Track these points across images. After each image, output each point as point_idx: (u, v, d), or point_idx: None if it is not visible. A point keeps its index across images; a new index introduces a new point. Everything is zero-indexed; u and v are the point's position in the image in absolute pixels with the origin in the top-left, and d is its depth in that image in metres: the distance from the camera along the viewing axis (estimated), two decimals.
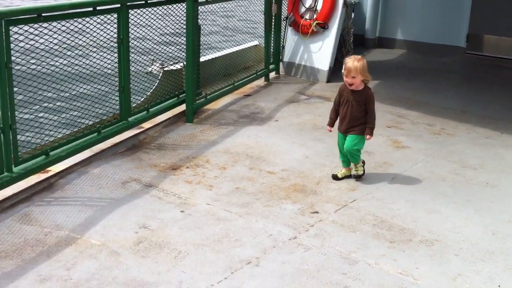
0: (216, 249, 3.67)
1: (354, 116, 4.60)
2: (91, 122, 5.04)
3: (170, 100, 6.08)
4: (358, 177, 4.75)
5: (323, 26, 7.83)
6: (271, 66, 7.99)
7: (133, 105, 5.51)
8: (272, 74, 8.11)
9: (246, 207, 4.25)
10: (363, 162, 4.79)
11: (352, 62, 4.51)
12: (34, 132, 4.40)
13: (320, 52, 7.96)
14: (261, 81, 7.79)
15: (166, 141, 5.50)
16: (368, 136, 4.62)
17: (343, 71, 4.57)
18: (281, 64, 8.27)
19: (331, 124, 4.83)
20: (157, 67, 6.49)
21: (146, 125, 5.73)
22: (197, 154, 5.21)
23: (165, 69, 6.29)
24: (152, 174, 4.72)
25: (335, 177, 4.77)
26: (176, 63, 6.28)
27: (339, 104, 4.71)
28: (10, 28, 3.98)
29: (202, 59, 6.56)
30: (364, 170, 4.77)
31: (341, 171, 4.80)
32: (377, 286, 3.34)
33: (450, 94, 7.73)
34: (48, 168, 4.50)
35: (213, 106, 6.62)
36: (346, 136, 4.66)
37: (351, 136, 4.64)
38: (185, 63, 6.08)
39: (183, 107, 6.15)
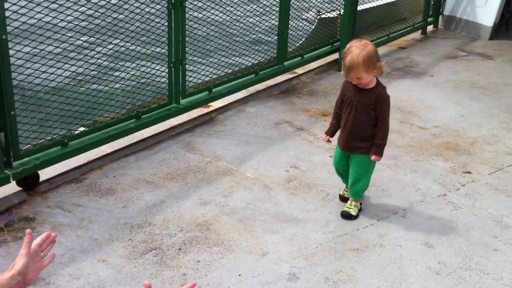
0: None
1: (359, 125, 3.29)
2: (249, 64, 5.27)
3: (324, 48, 6.12)
4: (347, 217, 3.47)
5: None
6: (429, 19, 7.64)
7: (289, 50, 5.64)
8: (429, 28, 7.76)
9: (395, 159, 4.25)
10: (361, 203, 3.55)
11: (350, 56, 3.10)
12: (201, 69, 4.72)
13: (485, 6, 7.43)
14: (417, 34, 7.50)
15: (317, 87, 5.60)
16: (373, 157, 3.30)
17: (342, 71, 3.26)
18: (440, 17, 7.87)
19: (330, 132, 3.50)
20: (313, 14, 6.53)
21: (299, 70, 5.86)
22: None
23: (321, 16, 6.31)
24: (303, 118, 4.87)
25: (342, 198, 3.66)
26: (333, 10, 6.27)
27: (342, 107, 3.41)
28: None
29: (358, 8, 6.47)
30: (358, 212, 3.51)
31: (346, 190, 3.65)
32: None
33: None
34: (210, 104, 4.84)
35: None
36: (349, 155, 3.43)
37: (357, 159, 3.36)
38: (342, 11, 6.05)
39: (336, 55, 6.16)
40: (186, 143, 4.32)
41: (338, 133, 3.51)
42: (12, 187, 3.48)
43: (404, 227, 3.44)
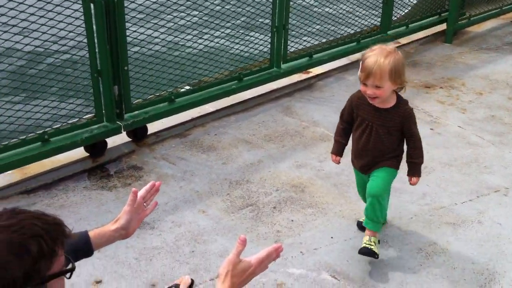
0: (463, 171, 3.64)
1: (382, 150, 2.72)
2: (352, 31, 5.21)
3: (431, 18, 5.91)
4: (370, 255, 2.75)
5: None
6: None
7: (393, 19, 5.50)
8: None
9: (501, 136, 4.07)
10: (379, 240, 2.86)
11: (375, 58, 2.49)
12: (303, 35, 4.74)
13: None
14: None
15: (421, 58, 5.44)
16: (414, 179, 2.76)
17: (359, 72, 2.58)
18: None
19: (338, 151, 2.88)
20: None
21: (403, 40, 5.71)
22: (452, 76, 5.06)
23: None
24: None
25: (362, 227, 2.93)
26: None
27: (352, 122, 2.82)
28: None
29: None
30: (378, 252, 2.78)
31: None
32: None
33: None
34: (310, 70, 4.86)
35: (476, 28, 6.25)
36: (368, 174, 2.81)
37: (379, 171, 2.74)
38: None
39: (443, 26, 5.94)
40: (285, 107, 4.39)
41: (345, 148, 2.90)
42: (122, 138, 3.73)
43: (505, 206, 3.32)
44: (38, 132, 3.30)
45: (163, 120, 3.89)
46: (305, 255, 2.88)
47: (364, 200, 2.93)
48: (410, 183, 2.79)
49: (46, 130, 3.33)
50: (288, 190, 3.39)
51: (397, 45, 5.61)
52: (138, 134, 3.78)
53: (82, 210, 3.11)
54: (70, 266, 1.49)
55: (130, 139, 3.78)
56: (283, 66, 4.55)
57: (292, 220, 3.13)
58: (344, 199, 3.33)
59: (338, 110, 4.31)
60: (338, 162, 2.92)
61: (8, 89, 3.30)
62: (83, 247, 1.87)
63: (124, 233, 1.97)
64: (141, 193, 2.01)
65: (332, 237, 3.02)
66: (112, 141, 3.69)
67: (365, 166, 2.79)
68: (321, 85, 4.78)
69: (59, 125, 3.41)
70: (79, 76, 3.49)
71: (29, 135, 3.28)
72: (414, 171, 2.76)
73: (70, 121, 3.47)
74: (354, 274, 2.75)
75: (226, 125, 4.09)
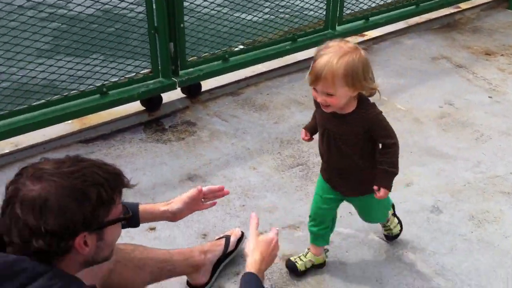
0: None
1: (347, 164, 2.22)
2: None
3: None
4: (391, 238, 2.71)
5: None
6: None
7: None
8: None
9: None
10: (394, 211, 2.68)
11: (328, 58, 1.95)
12: None
13: None
14: None
15: (482, 25, 5.24)
16: (381, 192, 2.15)
17: (307, 75, 2.04)
18: None
19: (312, 129, 2.36)
20: None
21: (464, 5, 5.51)
22: None
23: None
24: (464, 55, 4.63)
25: (292, 268, 2.49)
26: None
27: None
28: None
29: None
30: (401, 224, 2.70)
31: (304, 256, 2.50)
32: None
33: None
34: (365, 33, 4.77)
35: None
36: (345, 196, 2.39)
37: (368, 201, 2.34)
38: None
39: None
40: None
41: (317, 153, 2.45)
42: (177, 94, 3.80)
43: None
44: (97, 85, 3.39)
45: (217, 78, 3.92)
46: (353, 215, 2.87)
47: (316, 228, 2.45)
48: (376, 196, 2.18)
49: (104, 83, 3.42)
50: None
51: (458, 9, 5.43)
52: (192, 91, 3.83)
53: (138, 161, 3.21)
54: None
55: (185, 95, 3.83)
56: (338, 28, 4.48)
57: None
58: None
59: (394, 74, 4.28)
60: (309, 140, 2.39)
61: (69, 42, 3.40)
62: (132, 218, 1.96)
63: (171, 217, 2.06)
64: (205, 190, 2.08)
65: None
66: (168, 97, 3.75)
67: (339, 183, 2.32)
68: (376, 48, 4.70)
69: (117, 79, 3.49)
70: (136, 32, 3.54)
71: (89, 87, 3.39)
72: (383, 179, 2.16)
73: (127, 76, 3.54)
74: (403, 237, 2.74)
75: (279, 85, 4.09)
